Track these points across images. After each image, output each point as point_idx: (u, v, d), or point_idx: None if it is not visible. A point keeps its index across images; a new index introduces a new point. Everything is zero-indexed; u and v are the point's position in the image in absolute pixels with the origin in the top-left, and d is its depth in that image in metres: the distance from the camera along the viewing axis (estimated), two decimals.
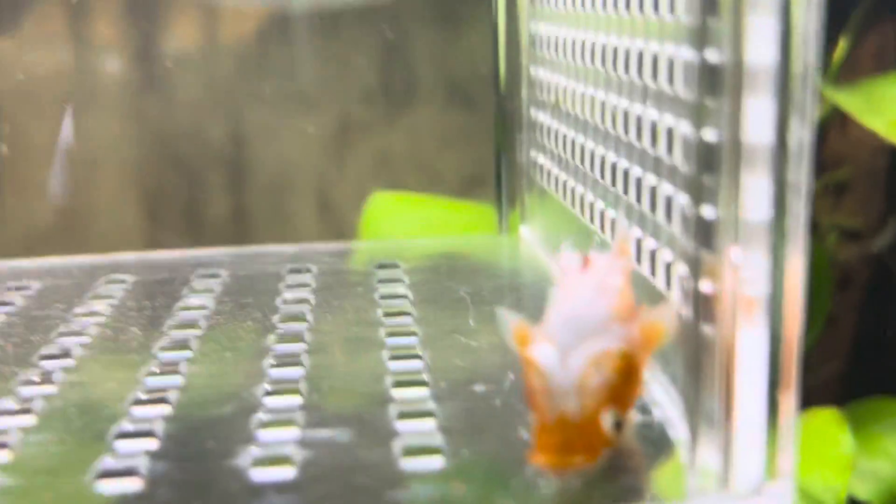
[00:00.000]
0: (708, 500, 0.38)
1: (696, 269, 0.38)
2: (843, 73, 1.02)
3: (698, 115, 0.37)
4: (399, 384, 0.50)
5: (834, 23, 1.03)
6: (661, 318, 0.41)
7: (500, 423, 0.46)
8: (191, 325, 0.59)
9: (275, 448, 0.43)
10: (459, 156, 0.92)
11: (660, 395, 0.46)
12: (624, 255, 0.45)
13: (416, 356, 0.53)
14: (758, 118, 0.35)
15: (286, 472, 0.41)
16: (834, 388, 1.08)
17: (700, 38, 0.36)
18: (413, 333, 0.57)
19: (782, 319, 0.36)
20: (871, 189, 1.07)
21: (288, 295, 0.64)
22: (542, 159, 0.71)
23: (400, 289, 0.65)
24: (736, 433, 0.37)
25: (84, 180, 0.86)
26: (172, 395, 0.49)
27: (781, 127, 0.35)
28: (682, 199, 0.42)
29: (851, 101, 0.96)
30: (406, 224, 0.94)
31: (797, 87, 0.35)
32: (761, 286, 0.36)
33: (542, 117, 0.70)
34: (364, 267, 0.73)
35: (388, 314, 0.60)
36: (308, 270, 0.70)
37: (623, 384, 0.39)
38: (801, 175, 0.36)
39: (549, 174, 0.69)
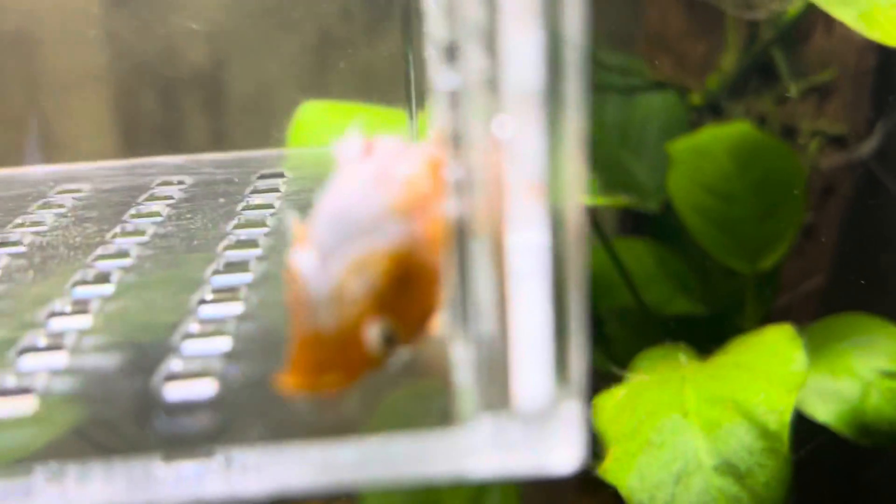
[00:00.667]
0: (483, 423, 0.31)
1: (457, 149, 0.31)
2: None
3: None
4: (209, 301, 0.44)
5: None
6: (448, 211, 0.34)
7: None
8: (14, 243, 0.53)
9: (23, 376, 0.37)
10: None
11: None
12: (440, 143, 0.38)
13: (246, 269, 0.47)
14: None
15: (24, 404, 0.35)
16: (813, 305, 1.02)
17: None
18: (255, 245, 0.51)
19: (564, 207, 0.29)
20: (857, 91, 1.00)
21: (143, 208, 0.58)
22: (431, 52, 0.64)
23: (269, 198, 0.59)
24: (516, 344, 0.30)
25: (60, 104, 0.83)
26: None
27: None
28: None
29: None
30: (331, 133, 0.89)
31: None
32: (537, 169, 0.29)
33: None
34: (248, 177, 0.66)
35: (239, 226, 0.54)
36: (181, 182, 0.64)
37: (399, 290, 0.33)
38: (576, 29, 0.28)
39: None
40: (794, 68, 0.99)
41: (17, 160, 0.77)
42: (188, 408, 0.35)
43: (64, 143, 0.87)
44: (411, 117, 0.72)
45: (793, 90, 0.99)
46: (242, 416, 0.34)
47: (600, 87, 1.01)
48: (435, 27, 0.36)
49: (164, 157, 0.72)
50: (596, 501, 0.99)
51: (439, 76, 0.30)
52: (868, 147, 0.99)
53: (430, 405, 0.33)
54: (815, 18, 0.98)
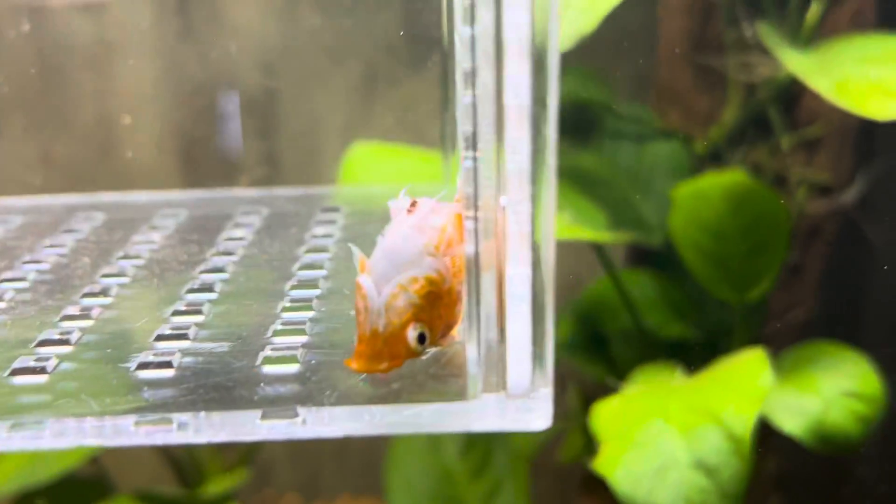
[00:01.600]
0: (487, 400, 0.46)
1: (474, 210, 0.45)
2: (820, 36, 1.06)
3: (468, 79, 0.44)
4: (287, 308, 0.59)
5: None
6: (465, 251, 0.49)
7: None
8: (135, 256, 0.68)
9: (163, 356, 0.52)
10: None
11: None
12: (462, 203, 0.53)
13: (315, 286, 0.62)
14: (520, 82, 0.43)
15: (167, 373, 0.51)
16: (797, 334, 1.13)
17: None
18: (320, 266, 0.66)
19: (543, 252, 0.44)
20: (841, 145, 1.11)
21: (233, 233, 0.74)
22: None
23: (330, 230, 0.74)
24: (509, 347, 0.45)
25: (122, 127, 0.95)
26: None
27: (539, 90, 0.43)
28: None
29: (803, 64, 1.01)
30: (379, 173, 1.03)
31: (549, 59, 0.42)
32: (525, 224, 0.44)
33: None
34: (311, 211, 0.81)
35: (308, 251, 0.69)
36: (258, 213, 0.79)
37: (429, 305, 0.48)
38: (553, 131, 0.43)
39: None
40: (786, 123, 1.10)
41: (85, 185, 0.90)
42: (279, 379, 0.50)
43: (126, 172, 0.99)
44: (445, 159, 0.87)
45: (785, 143, 1.10)
46: (318, 387, 0.49)
47: (614, 134, 1.14)
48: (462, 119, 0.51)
49: (236, 189, 0.87)
50: (599, 497, 1.12)
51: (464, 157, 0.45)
52: (850, 196, 1.10)
53: (449, 386, 0.48)
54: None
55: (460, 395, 0.47)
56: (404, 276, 0.47)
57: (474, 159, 0.44)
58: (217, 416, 0.47)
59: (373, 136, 1.02)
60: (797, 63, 1.00)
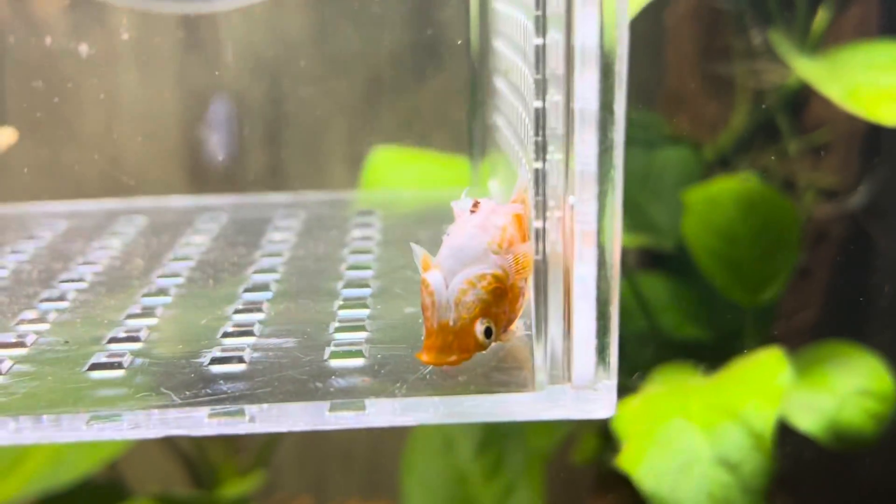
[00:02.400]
0: (553, 390, 0.48)
1: (543, 210, 0.48)
2: (826, 43, 1.09)
3: (542, 85, 0.47)
4: (343, 307, 0.61)
5: None
6: (529, 249, 0.51)
7: (416, 335, 0.56)
8: (186, 258, 0.71)
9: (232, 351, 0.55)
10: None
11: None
12: (522, 201, 0.56)
13: (366, 285, 0.64)
14: (587, 90, 0.45)
15: (239, 367, 0.53)
16: (806, 335, 1.16)
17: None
18: (368, 268, 0.68)
19: (608, 249, 0.47)
20: (848, 150, 1.13)
21: (275, 236, 0.76)
22: (499, 122, 0.81)
23: (370, 232, 0.76)
24: (574, 340, 0.48)
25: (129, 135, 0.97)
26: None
27: (606, 97, 0.45)
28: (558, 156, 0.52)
29: (813, 70, 1.04)
30: (405, 178, 1.06)
31: (618, 67, 0.45)
32: (591, 224, 0.46)
33: (500, 84, 0.80)
34: (348, 214, 0.84)
35: (353, 252, 0.71)
36: (297, 216, 0.81)
37: (496, 301, 0.50)
38: (620, 135, 0.46)
39: (502, 135, 0.79)
40: (794, 129, 1.13)
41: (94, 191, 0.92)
42: (346, 372, 0.52)
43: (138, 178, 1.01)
44: (473, 165, 0.89)
45: (792, 148, 1.13)
46: (389, 379, 0.51)
47: (625, 140, 1.16)
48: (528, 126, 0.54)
49: (270, 194, 0.89)
50: (612, 498, 1.15)
51: (534, 162, 0.47)
52: (856, 200, 1.13)
53: (514, 377, 0.51)
54: (813, 88, 1.12)
55: (526, 385, 0.49)
56: (472, 272, 0.50)
57: (544, 162, 0.47)
58: (288, 407, 0.49)
59: (377, 143, 1.04)
60: (808, 70, 1.03)
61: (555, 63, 0.46)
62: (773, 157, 1.13)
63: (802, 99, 1.13)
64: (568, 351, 0.48)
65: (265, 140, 1.02)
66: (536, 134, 0.47)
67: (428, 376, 0.51)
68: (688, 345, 1.12)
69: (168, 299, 0.63)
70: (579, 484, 1.24)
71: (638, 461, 0.89)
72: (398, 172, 1.06)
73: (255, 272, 0.67)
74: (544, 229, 0.47)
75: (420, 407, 0.48)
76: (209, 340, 0.56)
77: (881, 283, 1.14)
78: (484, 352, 0.50)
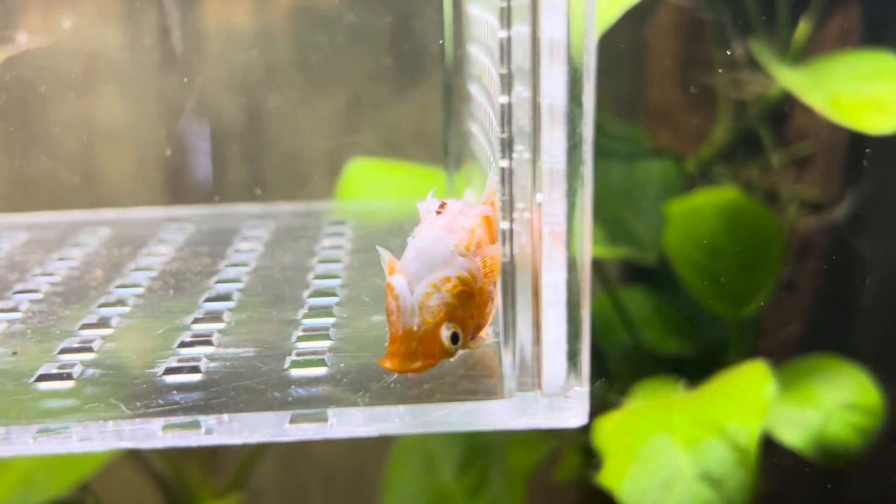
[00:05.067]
0: (523, 398, 0.46)
1: (510, 210, 0.46)
2: (807, 53, 1.08)
3: (507, 81, 0.45)
4: (308, 315, 0.59)
5: (797, 3, 1.09)
6: (496, 251, 0.49)
7: (382, 343, 0.54)
8: (147, 268, 0.68)
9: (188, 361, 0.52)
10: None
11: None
12: (491, 203, 0.54)
13: (333, 294, 0.62)
14: (554, 84, 0.43)
15: (195, 377, 0.50)
16: (791, 349, 1.14)
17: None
18: (336, 276, 0.66)
19: (578, 250, 0.44)
20: (830, 163, 1.12)
21: (242, 245, 0.73)
22: (473, 129, 0.79)
23: (340, 241, 0.74)
24: (544, 346, 0.45)
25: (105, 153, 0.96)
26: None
27: (575, 91, 0.43)
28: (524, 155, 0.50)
29: (796, 80, 1.02)
30: (381, 189, 1.04)
31: (585, 60, 0.43)
32: (561, 224, 0.44)
33: (473, 90, 0.78)
34: (319, 224, 0.81)
35: (321, 261, 0.69)
36: (266, 227, 0.79)
37: (462, 305, 0.48)
38: (589, 131, 0.44)
39: (476, 141, 0.77)
40: (776, 141, 1.11)
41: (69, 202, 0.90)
42: (309, 382, 0.50)
43: (113, 190, 0.99)
44: (449, 176, 0.87)
45: (775, 160, 1.11)
46: (345, 388, 0.49)
47: (606, 152, 1.15)
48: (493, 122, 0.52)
49: (241, 205, 0.87)
50: None
51: (500, 160, 0.45)
52: (840, 212, 1.12)
53: (482, 385, 0.48)
54: (795, 98, 1.11)
55: (495, 393, 0.47)
56: (437, 275, 0.47)
57: (510, 160, 0.44)
58: (247, 418, 0.46)
59: (356, 155, 1.02)
60: (791, 79, 1.02)
61: (521, 57, 0.44)
62: (756, 170, 1.12)
63: (784, 111, 1.12)
64: (538, 357, 0.46)
65: (241, 154, 1.00)
66: (502, 131, 0.45)
67: (392, 385, 0.48)
68: (671, 359, 1.10)
69: (126, 310, 0.60)
70: (562, 502, 1.22)
71: (620, 477, 0.87)
72: (374, 184, 1.04)
73: (218, 282, 0.65)
74: (511, 230, 0.45)
75: (385, 417, 0.46)
76: (165, 350, 0.53)
77: (866, 296, 1.12)
78: (451, 359, 0.48)
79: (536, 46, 0.43)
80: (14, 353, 0.53)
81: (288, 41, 0.96)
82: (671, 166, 1.12)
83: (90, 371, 0.51)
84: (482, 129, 0.72)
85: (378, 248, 0.51)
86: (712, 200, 1.03)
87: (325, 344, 0.54)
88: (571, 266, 0.45)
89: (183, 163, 0.96)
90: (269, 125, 1.00)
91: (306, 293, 0.62)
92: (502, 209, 0.45)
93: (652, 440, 0.89)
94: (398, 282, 0.48)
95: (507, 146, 0.45)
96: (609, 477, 0.87)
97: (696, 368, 1.05)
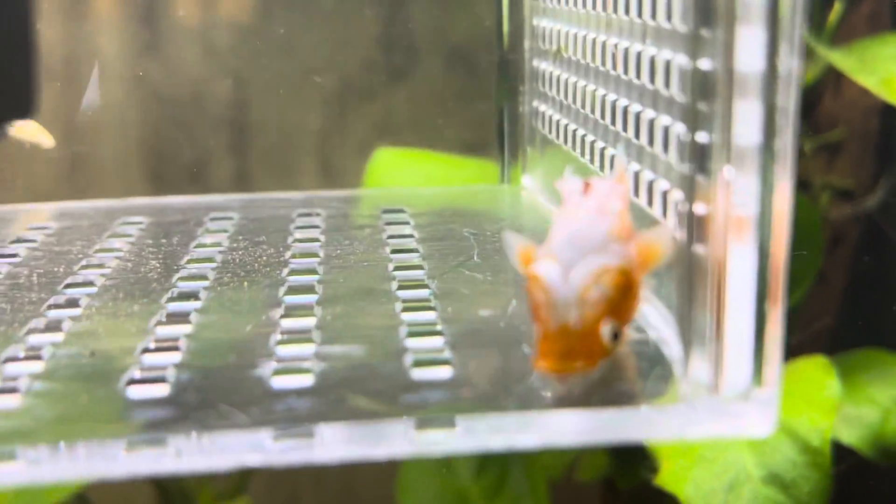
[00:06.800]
0: (698, 404, 0.41)
1: (691, 192, 0.40)
2: (838, 35, 1.05)
3: (694, 48, 0.40)
4: (407, 309, 0.53)
5: None
6: (657, 239, 0.43)
7: (505, 341, 0.48)
8: (209, 259, 0.62)
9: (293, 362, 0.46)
10: (463, 113, 0.95)
11: (654, 317, 0.49)
12: (622, 182, 0.48)
13: (424, 286, 0.56)
14: (749, 47, 0.38)
15: (306, 380, 0.44)
16: (825, 342, 1.11)
17: None
18: (420, 267, 0.60)
19: (770, 237, 0.39)
20: (862, 150, 1.09)
21: (298, 234, 0.67)
22: (544, 108, 0.74)
23: (406, 230, 0.68)
24: (726, 343, 0.40)
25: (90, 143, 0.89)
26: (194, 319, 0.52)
27: (771, 55, 0.38)
28: (679, 129, 0.44)
29: (846, 61, 0.99)
30: (409, 178, 0.98)
31: (786, 18, 0.38)
32: (751, 206, 0.39)
33: (544, 66, 0.73)
34: (371, 212, 0.75)
35: (395, 251, 0.63)
36: (318, 214, 0.73)
37: (621, 299, 0.42)
38: (789, 101, 0.38)
39: (551, 121, 0.71)
40: (807, 128, 1.08)
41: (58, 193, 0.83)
42: (437, 385, 0.44)
43: (98, 180, 0.93)
44: (504, 162, 0.82)
45: (806, 147, 1.08)
46: (479, 392, 0.43)
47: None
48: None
49: (282, 192, 0.81)
50: None
51: (685, 133, 0.40)
52: (872, 201, 1.09)
53: (639, 388, 0.43)
54: (826, 84, 1.08)
55: (664, 397, 0.41)
56: (596, 264, 0.42)
57: (694, 133, 0.39)
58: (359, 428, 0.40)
59: (349, 144, 0.96)
60: (840, 60, 0.98)
61: (708, 18, 0.39)
62: None
63: (815, 97, 1.09)
64: (718, 357, 0.40)
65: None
66: (695, 101, 0.40)
67: (537, 387, 0.43)
68: None
69: (198, 304, 0.54)
70: (586, 503, 1.18)
71: (682, 481, 0.82)
72: (402, 172, 0.99)
73: (293, 273, 0.59)
74: (693, 214, 0.40)
75: (544, 424, 0.40)
76: (262, 349, 0.47)
77: None
78: (611, 357, 0.43)
79: (731, 6, 0.38)
80: (92, 354, 0.47)
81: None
82: None
83: (38, 385, 0.44)
84: (563, 107, 0.66)
85: (506, 233, 0.45)
86: None
87: (439, 341, 0.48)
88: (762, 254, 0.39)
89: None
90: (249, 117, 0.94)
91: (394, 285, 0.56)
92: (693, 189, 0.40)
93: (713, 441, 0.84)
94: (549, 270, 0.42)
95: (693, 120, 0.39)
96: (669, 480, 0.82)
97: None
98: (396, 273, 0.59)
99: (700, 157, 0.40)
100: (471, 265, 0.60)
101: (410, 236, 0.67)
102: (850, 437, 0.90)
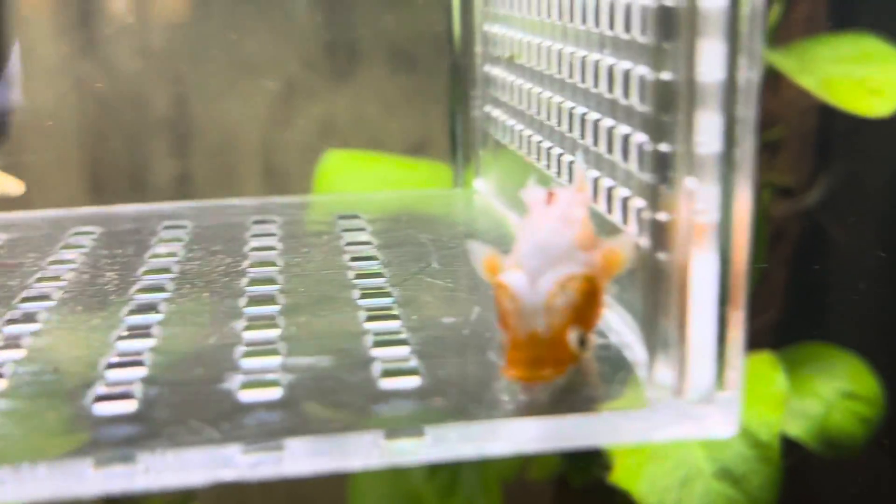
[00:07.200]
0: (663, 407, 0.42)
1: (654, 201, 0.41)
2: (776, 37, 1.07)
3: (655, 59, 0.40)
4: (371, 318, 0.53)
5: None
6: (620, 246, 0.44)
7: (471, 348, 0.49)
8: (165, 269, 0.61)
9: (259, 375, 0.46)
10: (410, 116, 0.96)
11: (616, 322, 0.50)
12: (582, 191, 0.49)
13: (386, 294, 0.57)
14: (710, 59, 0.39)
15: (274, 393, 0.44)
16: (768, 337, 1.13)
17: None
18: (380, 275, 0.60)
19: (731, 244, 0.40)
20: (801, 148, 1.12)
21: (255, 243, 0.67)
22: (496, 113, 0.74)
23: (363, 236, 0.68)
24: (689, 348, 0.41)
25: (26, 147, 0.88)
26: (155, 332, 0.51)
27: (731, 67, 0.39)
28: (640, 138, 0.45)
29: (786, 63, 1.01)
30: (360, 181, 0.97)
31: (745, 31, 0.39)
32: (712, 214, 0.40)
33: (496, 72, 0.73)
34: (325, 218, 0.75)
35: (354, 258, 0.63)
36: (272, 221, 0.72)
37: (586, 306, 0.43)
38: (749, 111, 0.39)
39: (504, 127, 0.72)
40: None
41: None
42: (408, 394, 0.44)
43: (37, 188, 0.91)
44: (457, 166, 0.82)
45: None
46: (456, 401, 0.43)
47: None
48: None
49: (234, 199, 0.80)
50: None
51: (649, 144, 0.41)
52: (812, 197, 1.11)
53: (604, 393, 0.44)
54: (765, 84, 1.10)
55: (631, 402, 0.42)
56: (561, 272, 0.43)
57: (656, 144, 0.40)
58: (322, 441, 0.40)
59: (291, 147, 0.96)
60: (781, 61, 1.00)
61: (670, 31, 0.39)
62: None
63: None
64: (682, 360, 0.41)
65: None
66: (657, 112, 0.41)
67: (504, 394, 0.43)
68: None
69: (160, 316, 0.54)
70: (538, 501, 1.19)
71: (635, 477, 0.83)
72: (353, 176, 0.98)
73: (252, 283, 0.59)
74: (655, 221, 0.41)
75: (515, 431, 0.41)
76: (228, 363, 0.47)
77: (840, 282, 1.12)
78: (577, 365, 0.43)
79: (692, 17, 0.38)
80: (55, 370, 0.46)
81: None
82: None
83: (153, 391, 0.44)
84: (516, 112, 0.67)
85: (471, 242, 0.46)
86: None
87: (406, 350, 0.49)
88: (723, 259, 0.40)
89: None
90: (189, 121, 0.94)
91: (355, 293, 0.57)
92: (657, 197, 0.41)
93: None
94: (517, 280, 0.43)
95: (656, 130, 0.40)
96: (623, 477, 0.84)
97: None
98: (357, 281, 0.59)
99: (662, 167, 0.41)
100: (431, 272, 0.60)
101: (368, 243, 0.67)
102: (796, 430, 0.92)
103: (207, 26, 0.90)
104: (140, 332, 0.51)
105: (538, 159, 0.64)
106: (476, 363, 0.47)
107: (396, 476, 1.05)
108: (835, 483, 1.02)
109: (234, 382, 0.45)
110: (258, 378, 0.45)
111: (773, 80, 1.07)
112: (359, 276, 0.60)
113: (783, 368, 0.97)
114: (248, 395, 0.44)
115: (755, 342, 1.09)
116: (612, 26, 0.49)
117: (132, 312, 0.54)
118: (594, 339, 0.46)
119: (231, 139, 0.96)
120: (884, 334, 1.05)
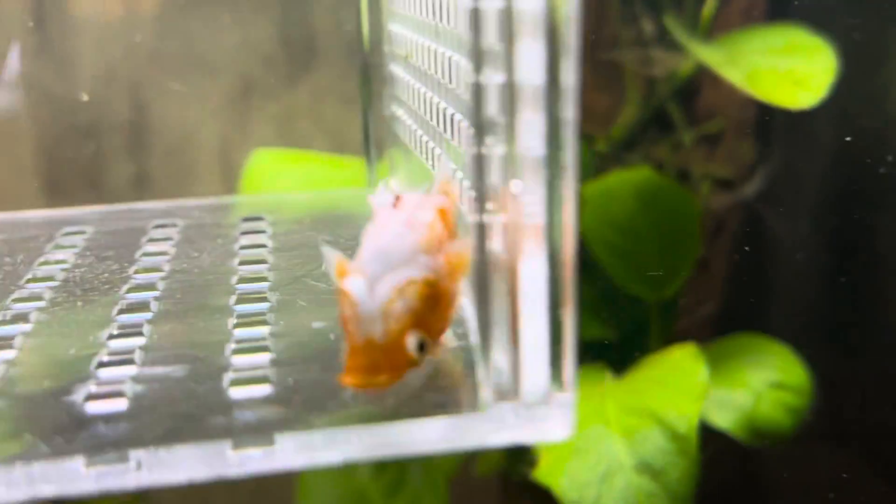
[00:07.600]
0: (501, 409, 0.41)
1: (482, 202, 0.41)
2: (714, 29, 1.06)
3: (476, 60, 0.40)
4: (240, 325, 0.53)
5: None
6: (464, 248, 0.44)
7: (331, 354, 0.49)
8: (49, 278, 0.61)
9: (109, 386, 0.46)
10: (333, 114, 0.95)
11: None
12: (445, 193, 0.49)
13: (263, 299, 0.56)
14: (530, 60, 0.38)
15: (119, 404, 0.44)
16: (708, 328, 1.13)
17: None
18: (264, 279, 0.60)
19: (560, 245, 0.40)
20: (740, 140, 1.11)
21: (149, 248, 0.67)
22: (399, 112, 0.74)
23: (261, 239, 0.68)
24: (523, 350, 0.41)
25: None
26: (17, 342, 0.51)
27: (553, 68, 0.39)
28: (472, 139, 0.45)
29: (713, 55, 1.00)
30: (285, 180, 0.97)
31: (564, 33, 0.38)
32: (540, 216, 0.40)
33: (397, 71, 0.73)
34: (232, 221, 0.75)
35: (243, 262, 0.63)
36: (174, 225, 0.72)
37: (427, 310, 0.43)
38: (571, 113, 0.39)
39: (404, 126, 0.72)
40: (686, 119, 1.10)
41: None
42: (253, 404, 0.44)
43: None
44: (370, 165, 0.82)
45: (686, 138, 1.10)
46: (299, 409, 0.43)
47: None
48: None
49: (137, 203, 0.80)
50: None
51: (471, 146, 0.40)
52: (751, 189, 1.11)
53: (452, 397, 0.44)
54: (704, 76, 1.10)
55: (466, 406, 0.42)
56: (400, 277, 0.42)
57: (479, 147, 0.40)
58: (183, 451, 0.40)
59: (248, 147, 0.96)
60: (708, 55, 1.00)
61: (493, 34, 0.39)
62: (667, 149, 1.10)
63: (693, 89, 1.11)
64: (515, 363, 0.41)
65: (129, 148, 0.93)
66: (476, 116, 0.40)
67: (350, 402, 0.43)
68: (593, 345, 1.07)
69: (28, 327, 0.53)
70: (484, 496, 1.19)
71: (558, 472, 0.83)
72: (280, 175, 0.98)
73: (131, 290, 0.58)
74: (483, 224, 0.41)
75: (344, 440, 0.41)
76: (81, 373, 0.47)
77: (779, 273, 1.12)
78: (416, 369, 0.43)
79: (511, 21, 0.38)
80: None
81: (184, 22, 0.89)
82: (582, 147, 1.09)
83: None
84: (412, 112, 0.67)
85: (324, 248, 0.46)
86: (627, 180, 1.01)
87: (265, 357, 0.48)
88: (553, 262, 0.40)
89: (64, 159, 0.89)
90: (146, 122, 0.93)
91: (232, 299, 0.56)
92: (475, 201, 0.40)
93: (587, 432, 0.86)
94: (355, 286, 0.42)
95: (479, 131, 0.40)
96: (546, 473, 0.84)
97: (618, 353, 1.03)
98: (239, 286, 0.59)
99: (490, 169, 0.40)
100: (317, 275, 0.60)
101: (263, 246, 0.66)
102: (724, 420, 0.92)
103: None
104: (1, 343, 0.51)
105: (427, 158, 0.63)
106: (333, 369, 0.47)
107: (343, 475, 1.05)
108: (760, 473, 1.02)
109: (80, 394, 0.45)
110: (106, 389, 0.45)
111: (711, 73, 1.07)
112: (241, 281, 0.59)
113: (712, 360, 0.97)
114: (93, 407, 0.44)
115: (695, 333, 1.10)
116: (455, 25, 0.49)
117: (2, 323, 0.54)
118: (443, 343, 0.46)
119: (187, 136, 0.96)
120: (818, 324, 1.05)
